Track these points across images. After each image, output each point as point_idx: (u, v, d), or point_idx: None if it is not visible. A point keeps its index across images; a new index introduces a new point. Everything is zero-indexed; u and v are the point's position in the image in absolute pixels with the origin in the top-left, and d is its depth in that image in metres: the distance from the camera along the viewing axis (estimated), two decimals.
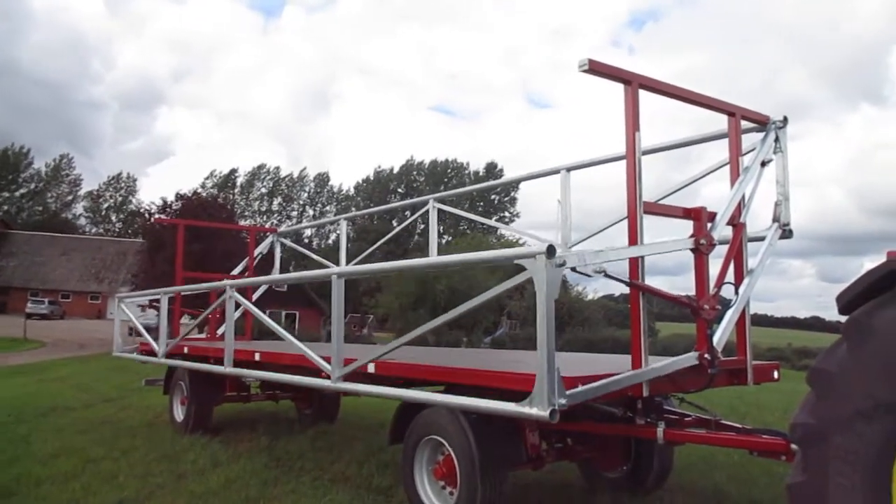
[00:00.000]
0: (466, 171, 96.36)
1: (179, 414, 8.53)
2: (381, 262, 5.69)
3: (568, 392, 3.44)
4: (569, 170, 6.40)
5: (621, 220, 5.83)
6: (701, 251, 4.18)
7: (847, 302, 2.77)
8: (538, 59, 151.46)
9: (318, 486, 5.76)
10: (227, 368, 6.48)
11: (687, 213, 4.28)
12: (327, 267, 9.95)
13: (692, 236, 4.21)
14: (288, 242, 11.36)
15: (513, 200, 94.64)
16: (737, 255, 4.52)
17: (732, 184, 4.63)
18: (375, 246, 10.49)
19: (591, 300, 46.91)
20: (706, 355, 4.07)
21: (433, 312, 34.80)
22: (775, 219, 4.80)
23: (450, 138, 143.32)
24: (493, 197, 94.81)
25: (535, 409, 3.36)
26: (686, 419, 4.53)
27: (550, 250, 3.37)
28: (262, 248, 11.41)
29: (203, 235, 24.32)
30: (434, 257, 4.38)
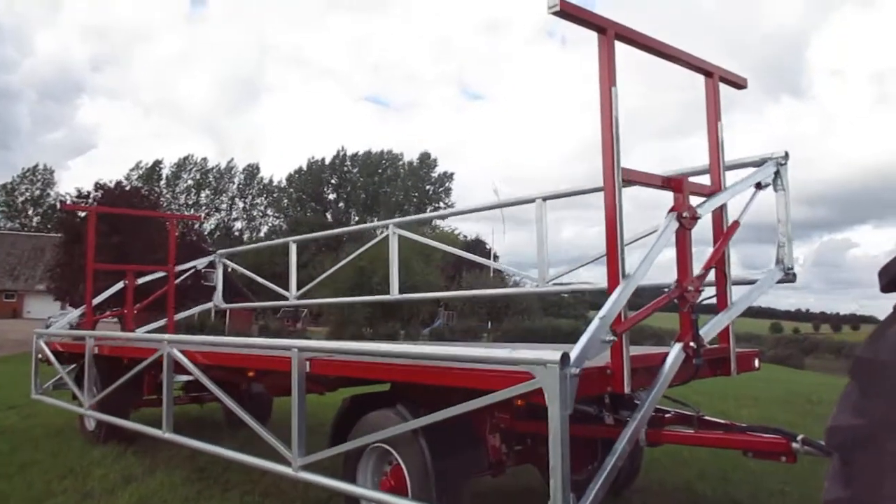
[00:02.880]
0: (401, 162, 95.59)
1: (90, 421, 7.65)
2: (350, 343, 4.97)
3: None
4: (545, 199, 6.00)
5: (599, 257, 5.32)
6: (683, 226, 3.67)
7: (894, 277, 2.28)
8: (472, 51, 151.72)
9: (247, 503, 5.08)
10: (167, 434, 5.66)
11: (667, 183, 3.77)
12: (276, 292, 9.18)
13: (672, 210, 3.71)
14: (231, 264, 10.47)
15: (448, 191, 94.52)
16: (717, 233, 4.08)
17: (711, 150, 4.16)
18: (326, 274, 9.85)
19: (528, 291, 46.95)
20: (691, 344, 3.58)
21: (370, 305, 34.01)
22: (778, 261, 4.33)
23: (384, 129, 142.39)
24: (427, 188, 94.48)
25: None
26: (666, 416, 4.04)
27: (564, 359, 2.83)
28: (199, 264, 10.52)
29: (124, 227, 22.97)
30: (437, 348, 3.73)
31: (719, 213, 4.12)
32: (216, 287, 10.30)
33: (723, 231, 4.10)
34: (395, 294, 7.50)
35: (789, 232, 4.37)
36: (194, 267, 10.56)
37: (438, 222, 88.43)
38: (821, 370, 34.15)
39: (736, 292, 4.15)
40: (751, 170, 4.35)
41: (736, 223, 4.17)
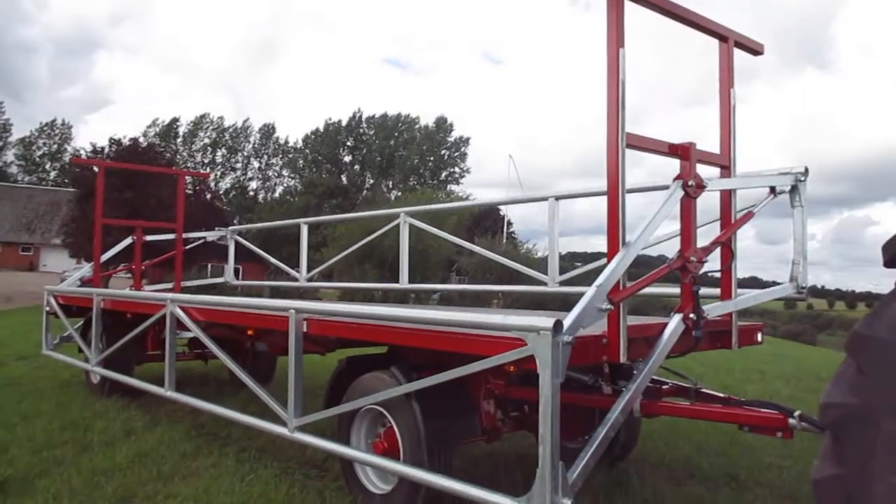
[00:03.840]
0: (417, 126, 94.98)
1: (96, 375, 7.71)
2: (345, 304, 4.98)
3: (571, 480, 2.90)
4: (557, 198, 6.08)
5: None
6: (689, 194, 3.58)
7: None
8: (493, 15, 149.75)
9: (243, 459, 5.10)
10: (169, 392, 5.67)
11: (673, 150, 3.65)
12: (286, 273, 9.29)
13: (678, 178, 3.61)
14: (243, 241, 10.48)
15: (463, 156, 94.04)
16: (725, 212, 3.97)
17: (722, 118, 4.04)
18: (334, 260, 10.01)
19: (541, 258, 46.74)
20: (691, 315, 3.51)
21: (380, 267, 34.06)
22: (792, 279, 4.17)
23: (402, 91, 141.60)
24: (443, 152, 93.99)
25: None
26: (663, 388, 3.98)
27: (557, 326, 2.78)
28: (209, 236, 10.67)
29: (138, 183, 23.01)
30: (431, 312, 3.66)
31: (728, 195, 3.99)
32: (227, 263, 10.38)
33: (730, 210, 3.98)
34: (404, 283, 7.60)
35: (805, 250, 4.19)
36: (203, 238, 10.71)
37: (453, 187, 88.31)
38: (833, 347, 33.91)
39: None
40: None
41: (750, 213, 4.07)
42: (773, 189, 4.14)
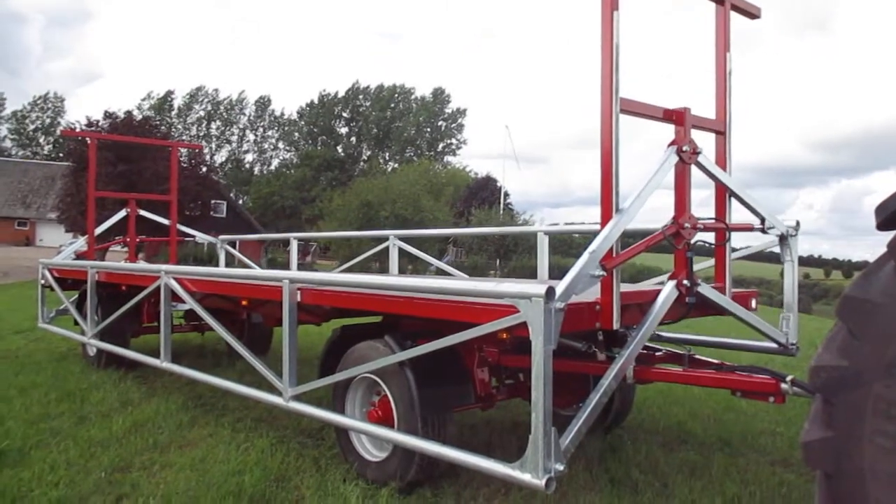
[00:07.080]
0: (413, 97, 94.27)
1: (92, 347, 7.72)
2: (339, 274, 5.03)
3: (563, 446, 2.89)
4: (546, 233, 6.46)
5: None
6: (683, 160, 3.55)
7: (891, 214, 2.16)
8: None
9: (239, 429, 5.12)
10: (164, 363, 5.67)
11: (668, 115, 3.62)
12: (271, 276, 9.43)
13: (673, 143, 3.57)
14: (232, 251, 10.48)
15: (460, 127, 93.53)
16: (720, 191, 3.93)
17: (718, 82, 3.99)
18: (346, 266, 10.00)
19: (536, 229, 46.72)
20: (685, 282, 3.51)
21: (378, 240, 34.15)
22: (783, 332, 4.10)
23: (398, 63, 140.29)
24: (440, 124, 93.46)
25: (527, 475, 2.85)
26: (656, 354, 3.99)
27: (549, 293, 2.77)
28: (199, 238, 10.79)
29: (132, 156, 22.89)
30: (424, 281, 3.64)
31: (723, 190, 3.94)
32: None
33: (725, 197, 3.92)
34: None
35: (795, 306, 4.12)
36: (194, 238, 10.83)
37: (449, 159, 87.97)
38: (828, 316, 34.07)
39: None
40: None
41: (750, 225, 4.02)
42: (763, 221, 3.97)
